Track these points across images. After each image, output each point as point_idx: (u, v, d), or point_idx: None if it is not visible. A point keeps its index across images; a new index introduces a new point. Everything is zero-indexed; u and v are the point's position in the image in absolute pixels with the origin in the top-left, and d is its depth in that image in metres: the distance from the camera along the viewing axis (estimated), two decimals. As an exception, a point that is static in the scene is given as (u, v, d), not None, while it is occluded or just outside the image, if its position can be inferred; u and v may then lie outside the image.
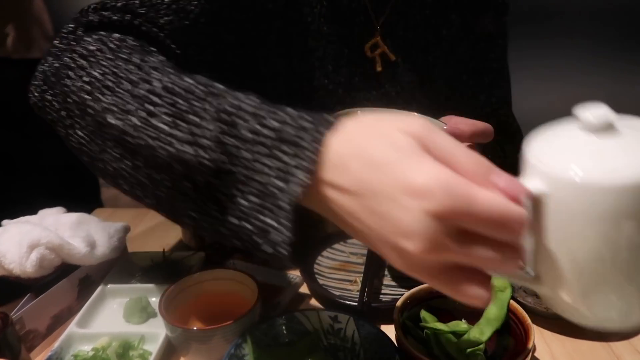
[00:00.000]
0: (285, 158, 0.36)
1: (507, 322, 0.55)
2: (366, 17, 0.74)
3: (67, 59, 0.51)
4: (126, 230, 0.73)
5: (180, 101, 0.42)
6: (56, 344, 0.57)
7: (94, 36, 0.53)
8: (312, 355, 0.56)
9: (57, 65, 0.52)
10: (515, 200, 0.31)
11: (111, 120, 0.44)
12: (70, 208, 0.77)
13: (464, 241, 0.31)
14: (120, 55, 0.49)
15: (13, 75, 1.53)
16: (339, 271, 0.72)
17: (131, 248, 0.78)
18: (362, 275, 0.70)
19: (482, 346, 0.54)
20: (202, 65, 0.61)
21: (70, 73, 0.50)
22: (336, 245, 0.78)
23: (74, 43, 0.53)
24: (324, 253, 0.76)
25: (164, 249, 0.75)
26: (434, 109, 0.82)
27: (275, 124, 0.38)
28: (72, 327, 0.60)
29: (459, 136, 0.56)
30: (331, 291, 0.67)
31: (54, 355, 0.56)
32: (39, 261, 0.61)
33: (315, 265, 0.73)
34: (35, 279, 0.62)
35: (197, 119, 0.40)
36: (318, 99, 0.76)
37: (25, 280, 0.62)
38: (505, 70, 0.86)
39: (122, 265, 0.72)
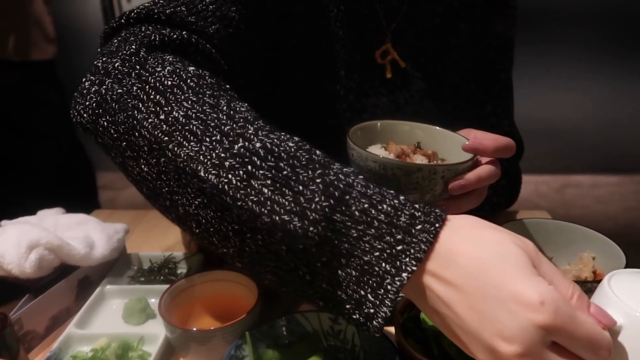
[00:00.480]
0: (395, 243, 0.38)
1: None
2: (378, 24, 0.74)
3: (137, 89, 0.47)
4: (125, 231, 0.73)
5: (284, 166, 0.40)
6: (55, 345, 0.56)
7: (167, 67, 0.48)
8: (312, 357, 0.56)
9: (120, 91, 0.47)
10: (604, 326, 0.36)
11: (201, 173, 0.41)
12: (68, 210, 0.77)
13: (556, 353, 0.35)
14: (205, 98, 0.45)
15: (13, 77, 1.53)
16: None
17: (130, 249, 0.77)
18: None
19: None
20: (239, 75, 0.61)
21: (141, 106, 0.45)
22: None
23: (141, 69, 0.48)
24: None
25: (163, 250, 0.75)
26: (440, 117, 0.82)
27: (388, 209, 0.39)
28: (70, 328, 0.59)
29: (481, 151, 0.57)
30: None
31: (53, 356, 0.55)
32: (38, 262, 0.61)
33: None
34: (34, 280, 0.62)
35: (304, 190, 0.39)
36: (329, 105, 0.76)
37: (24, 281, 0.62)
38: (511, 82, 0.87)
39: (121, 266, 0.72)
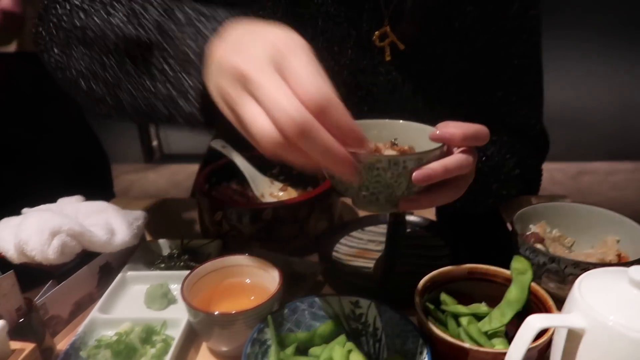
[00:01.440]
0: (201, 27, 0.51)
1: (529, 304, 0.54)
2: (375, 3, 0.74)
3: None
4: (144, 217, 0.73)
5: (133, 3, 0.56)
6: (80, 329, 0.57)
7: None
8: (333, 340, 0.56)
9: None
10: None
11: (77, 22, 0.59)
12: (85, 199, 0.78)
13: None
14: None
15: (30, 68, 1.54)
16: (357, 258, 0.72)
17: (148, 237, 0.78)
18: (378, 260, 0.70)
19: (503, 328, 0.54)
20: None
21: (57, 6, 0.62)
22: (354, 233, 0.78)
23: None
24: (342, 240, 0.76)
25: (182, 237, 0.75)
26: (442, 100, 0.81)
27: (204, 10, 0.53)
28: (94, 313, 0.60)
29: (448, 139, 0.53)
30: (350, 278, 0.67)
31: (78, 340, 0.56)
32: (61, 248, 0.61)
33: (334, 253, 0.73)
34: (57, 266, 0.63)
35: (143, 11, 0.55)
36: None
37: (47, 267, 0.63)
38: (533, 68, 0.84)
39: (141, 253, 0.73)
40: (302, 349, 0.56)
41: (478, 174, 0.64)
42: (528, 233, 0.68)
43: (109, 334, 0.58)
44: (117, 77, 0.57)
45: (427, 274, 0.65)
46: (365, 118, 0.85)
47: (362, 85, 0.80)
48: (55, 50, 0.63)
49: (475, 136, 0.53)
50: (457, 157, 0.52)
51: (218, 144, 0.86)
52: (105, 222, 0.68)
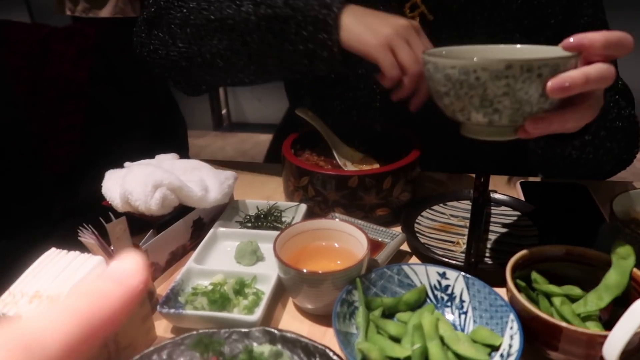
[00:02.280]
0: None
1: (629, 291, 0.53)
2: None
3: (162, 3, 0.82)
4: (234, 178, 0.76)
5: None
6: (178, 277, 0.61)
7: None
8: (418, 309, 0.57)
9: (153, 9, 0.82)
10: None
11: (212, 16, 0.74)
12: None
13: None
14: None
15: (116, 33, 1.62)
16: (439, 232, 0.72)
17: (236, 195, 0.81)
18: (465, 237, 0.69)
19: (597, 312, 0.53)
20: None
21: (171, 11, 0.80)
22: (435, 207, 0.78)
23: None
24: (424, 214, 0.76)
25: (268, 202, 0.78)
26: None
27: None
28: (190, 263, 0.64)
29: (587, 46, 0.46)
30: (434, 250, 0.67)
31: (177, 286, 0.60)
32: (162, 200, 0.65)
33: (416, 225, 0.73)
34: (157, 217, 0.67)
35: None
36: (353, 56, 0.77)
37: (148, 217, 0.67)
38: (585, 29, 0.78)
39: (230, 212, 0.76)
40: (387, 314, 0.57)
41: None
42: (627, 218, 0.65)
43: (204, 283, 0.62)
44: (260, 49, 0.73)
45: (513, 253, 0.64)
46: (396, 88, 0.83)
47: None
48: (180, 45, 0.79)
49: (618, 43, 0.46)
50: (598, 66, 0.46)
51: (304, 112, 0.87)
52: (199, 179, 0.71)
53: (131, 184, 0.66)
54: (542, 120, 0.48)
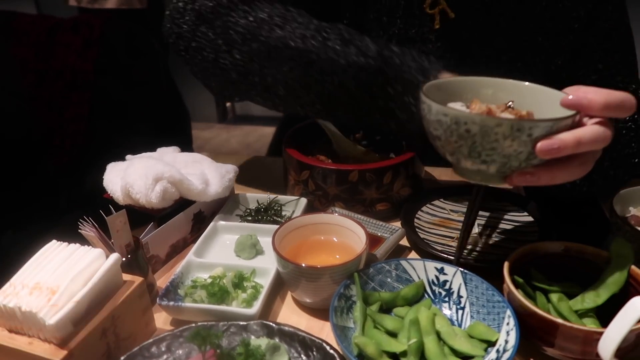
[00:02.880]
0: (425, 64, 0.63)
1: (627, 288, 0.52)
2: None
3: (226, 1, 0.71)
4: (235, 171, 0.76)
5: (345, 33, 0.66)
6: (178, 269, 0.62)
7: None
8: (416, 303, 0.57)
9: (211, 4, 0.71)
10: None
11: (291, 44, 0.66)
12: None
13: None
14: (277, 5, 0.70)
15: (121, 25, 1.62)
16: (439, 227, 0.72)
17: (236, 189, 0.82)
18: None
19: (594, 309, 0.53)
20: None
21: (233, 13, 0.70)
22: (435, 202, 0.77)
23: None
24: (424, 209, 0.76)
25: (268, 193, 0.78)
26: (493, 68, 0.77)
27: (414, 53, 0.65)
28: (190, 256, 0.64)
29: (586, 107, 0.45)
30: (433, 245, 0.67)
31: (177, 279, 0.61)
32: (162, 193, 0.65)
33: (415, 220, 0.73)
34: (157, 210, 0.67)
35: (361, 44, 0.65)
36: None
37: (149, 210, 0.67)
38: (616, 28, 0.76)
39: (230, 205, 0.76)
40: (385, 309, 0.57)
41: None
42: (628, 215, 0.65)
43: (203, 276, 0.62)
44: (335, 91, 0.66)
45: (512, 249, 0.64)
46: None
47: None
48: (237, 56, 0.69)
49: (619, 105, 0.45)
50: (593, 129, 0.44)
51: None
52: (200, 173, 0.71)
53: (132, 176, 0.66)
54: (530, 174, 0.47)
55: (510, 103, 0.53)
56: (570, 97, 0.46)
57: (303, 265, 0.56)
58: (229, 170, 0.75)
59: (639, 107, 0.77)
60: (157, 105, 1.69)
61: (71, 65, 1.60)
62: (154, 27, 1.77)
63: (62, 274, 0.49)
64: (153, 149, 0.82)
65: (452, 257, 0.63)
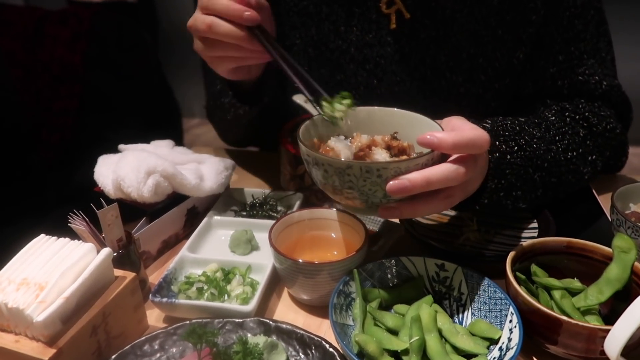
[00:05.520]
0: None
1: (630, 285, 0.52)
2: None
3: None
4: (233, 167, 0.75)
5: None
6: (171, 265, 0.60)
7: None
8: (416, 300, 0.56)
9: None
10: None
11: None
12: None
13: None
14: None
15: (111, 17, 1.59)
16: (439, 222, 0.71)
17: (231, 183, 0.80)
18: (465, 227, 0.68)
19: (597, 306, 0.52)
20: None
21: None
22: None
23: None
24: (422, 204, 0.75)
25: (263, 188, 0.76)
26: (454, 67, 0.78)
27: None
28: (184, 251, 0.62)
29: (437, 146, 0.47)
30: (433, 241, 0.66)
31: (170, 274, 0.59)
32: (155, 188, 0.64)
33: (413, 215, 0.72)
34: (150, 204, 0.65)
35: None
36: (334, 60, 0.80)
37: (140, 204, 0.65)
38: (582, 16, 0.74)
39: (224, 200, 0.74)
40: (384, 306, 0.56)
41: (509, 166, 0.60)
42: (628, 212, 0.64)
43: (197, 272, 0.61)
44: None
45: (512, 245, 0.63)
46: (376, 91, 0.83)
47: (370, 59, 0.79)
48: None
49: (468, 145, 0.48)
50: (443, 169, 0.47)
51: (301, 99, 0.86)
52: (195, 168, 0.70)
53: (124, 169, 0.64)
54: (393, 209, 0.49)
55: (395, 133, 0.56)
56: (427, 136, 0.47)
57: (300, 261, 0.54)
58: (228, 166, 0.74)
59: (584, 96, 0.76)
60: (147, 99, 1.66)
61: (59, 57, 1.57)
62: (144, 19, 1.75)
63: (51, 269, 0.47)
64: (144, 142, 0.80)
65: (449, 252, 0.62)
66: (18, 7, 1.65)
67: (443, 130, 0.52)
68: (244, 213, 0.73)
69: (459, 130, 0.50)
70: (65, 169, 1.60)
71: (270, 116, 0.82)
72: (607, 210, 0.73)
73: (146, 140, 0.82)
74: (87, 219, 0.54)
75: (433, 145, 0.47)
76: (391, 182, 0.46)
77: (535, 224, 0.69)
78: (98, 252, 0.51)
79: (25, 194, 1.49)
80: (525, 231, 0.68)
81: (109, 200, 0.64)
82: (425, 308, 0.51)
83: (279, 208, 0.74)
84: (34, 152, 1.59)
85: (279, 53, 0.59)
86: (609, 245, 0.53)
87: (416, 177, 0.46)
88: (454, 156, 0.49)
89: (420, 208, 0.49)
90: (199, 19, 0.58)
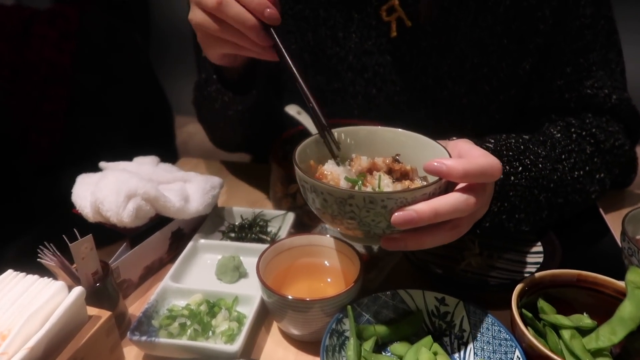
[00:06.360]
0: None
1: (645, 324, 0.48)
2: None
3: None
4: (221, 186, 0.70)
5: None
6: (152, 297, 0.56)
7: None
8: (414, 336, 0.52)
9: None
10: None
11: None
12: (147, 152, 0.76)
13: None
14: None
15: (100, 16, 1.55)
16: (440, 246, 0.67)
17: (220, 202, 0.76)
18: (467, 252, 0.64)
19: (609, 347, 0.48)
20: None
21: None
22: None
23: None
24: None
25: (250, 205, 0.72)
26: (456, 77, 0.75)
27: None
28: (166, 281, 0.58)
29: (446, 175, 0.43)
30: (433, 267, 0.62)
31: (150, 308, 0.55)
32: (135, 212, 0.59)
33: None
34: (131, 229, 0.61)
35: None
36: (331, 68, 0.77)
37: (121, 228, 0.61)
38: (591, 28, 0.71)
39: (212, 220, 0.70)
40: (380, 344, 0.52)
41: (512, 188, 0.56)
42: (639, 237, 0.61)
43: (181, 303, 0.57)
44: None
45: (514, 271, 0.59)
46: (375, 101, 0.79)
47: (369, 67, 0.76)
48: None
49: (479, 174, 0.43)
50: (452, 200, 0.43)
51: (293, 110, 0.82)
52: (180, 188, 0.65)
53: (103, 192, 0.60)
54: (397, 240, 0.45)
55: (397, 156, 0.52)
56: (435, 164, 0.43)
57: (290, 297, 0.50)
58: (215, 185, 0.69)
59: (592, 110, 0.71)
60: (139, 101, 1.62)
61: (48, 58, 1.52)
62: (135, 18, 1.70)
63: (16, 314, 0.43)
64: (135, 146, 0.76)
65: (449, 278, 0.58)
66: (5, 7, 1.60)
67: (449, 154, 0.48)
68: (232, 235, 0.69)
69: (468, 157, 0.46)
70: (54, 173, 1.56)
71: (261, 116, 0.78)
72: (614, 231, 0.70)
73: (138, 142, 0.79)
74: (57, 253, 0.50)
75: (441, 173, 0.43)
76: (396, 214, 0.42)
77: (540, 248, 0.65)
78: (71, 289, 0.47)
79: (15, 199, 1.45)
80: (530, 255, 0.64)
81: (87, 223, 0.60)
82: (424, 352, 0.47)
83: (270, 229, 0.70)
84: (23, 156, 1.55)
85: (295, 63, 0.53)
86: (619, 271, 0.50)
87: (423, 208, 0.42)
88: (462, 185, 0.45)
89: (426, 239, 0.45)
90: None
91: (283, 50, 0.53)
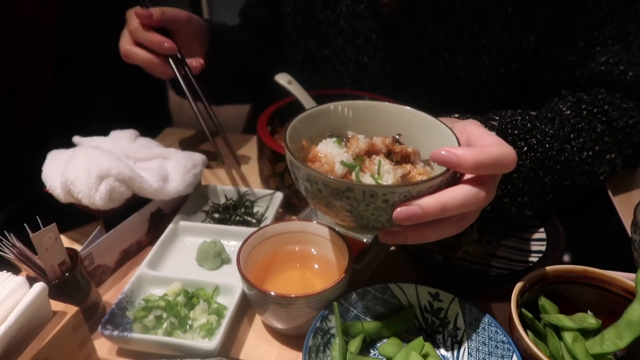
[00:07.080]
0: None
1: (654, 328, 0.44)
2: None
3: None
4: (204, 164, 0.66)
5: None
6: (126, 287, 0.52)
7: None
8: (405, 334, 0.49)
9: None
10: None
11: None
12: (141, 123, 0.72)
13: None
14: None
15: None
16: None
17: (204, 179, 0.71)
18: (465, 237, 0.60)
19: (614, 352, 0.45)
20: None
21: None
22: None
23: None
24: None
25: (237, 183, 0.68)
26: (452, 46, 0.69)
27: None
28: (143, 269, 0.55)
29: (456, 166, 0.38)
30: (428, 254, 0.58)
31: (125, 298, 0.51)
32: (109, 193, 0.55)
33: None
34: (105, 211, 0.57)
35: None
36: (322, 33, 0.74)
37: (94, 211, 0.57)
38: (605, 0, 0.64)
39: (195, 199, 0.66)
40: (369, 341, 0.49)
41: (516, 170, 0.51)
42: (652, 228, 0.56)
43: (158, 292, 0.53)
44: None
45: (517, 261, 0.56)
46: (367, 69, 0.74)
47: (360, 33, 0.71)
48: None
49: (493, 165, 0.39)
50: (461, 193, 0.38)
51: (284, 79, 0.76)
52: (158, 167, 0.61)
53: (74, 172, 0.56)
54: (397, 234, 0.40)
55: (397, 136, 0.48)
56: (443, 152, 0.39)
57: (272, 293, 0.47)
58: (196, 163, 0.65)
59: (606, 86, 0.66)
60: (127, 66, 1.55)
61: (30, 17, 1.44)
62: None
63: (-30, 314, 0.40)
64: (126, 111, 0.73)
65: (452, 268, 0.55)
66: (-16, -39, 1.50)
67: (457, 138, 0.43)
68: (216, 215, 0.65)
69: (479, 145, 0.41)
70: (41, 138, 1.51)
71: (249, 72, 0.81)
72: (622, 215, 0.66)
73: (128, 107, 0.76)
74: (18, 243, 0.46)
75: (450, 163, 0.39)
76: (399, 209, 0.38)
77: (543, 234, 0.61)
78: (33, 283, 0.43)
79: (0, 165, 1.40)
80: (532, 243, 0.61)
81: (60, 207, 0.56)
82: (414, 357, 0.44)
83: (256, 209, 0.66)
84: (9, 121, 1.50)
85: (187, 84, 0.71)
86: (626, 261, 0.46)
87: (429, 203, 0.38)
88: (469, 176, 0.40)
89: (429, 233, 0.41)
90: (121, 45, 0.75)
91: (177, 74, 0.71)
